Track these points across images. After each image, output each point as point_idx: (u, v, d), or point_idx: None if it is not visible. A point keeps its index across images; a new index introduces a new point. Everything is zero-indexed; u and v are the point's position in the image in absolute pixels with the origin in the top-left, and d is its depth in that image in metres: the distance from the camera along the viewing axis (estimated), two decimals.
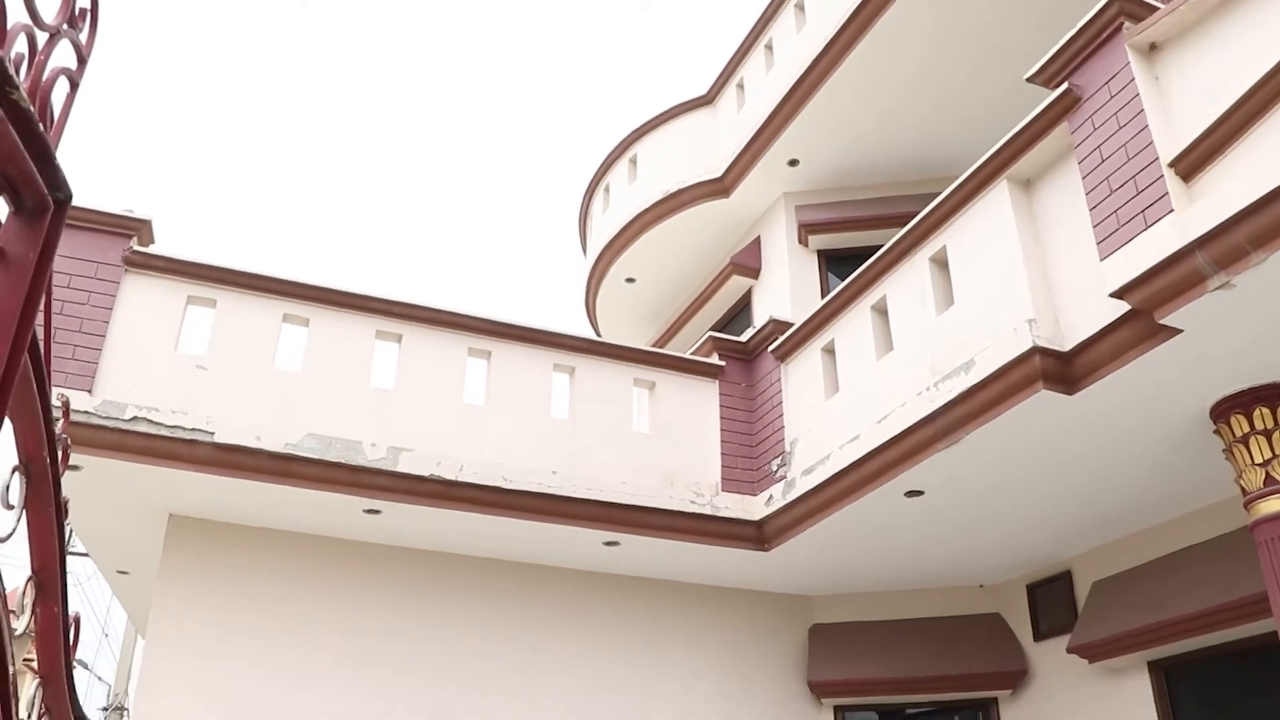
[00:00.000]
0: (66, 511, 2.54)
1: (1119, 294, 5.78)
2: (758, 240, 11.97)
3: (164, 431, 7.44)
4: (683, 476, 8.83)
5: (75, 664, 3.21)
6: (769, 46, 11.51)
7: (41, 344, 2.02)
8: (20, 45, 1.51)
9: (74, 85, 1.71)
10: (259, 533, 8.58)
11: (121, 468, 7.50)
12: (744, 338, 9.66)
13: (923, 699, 9.93)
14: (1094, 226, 6.15)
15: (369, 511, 8.14)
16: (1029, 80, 6.87)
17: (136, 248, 7.88)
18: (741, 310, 12.25)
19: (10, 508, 2.11)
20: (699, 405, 9.27)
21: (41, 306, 1.97)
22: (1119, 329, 6.00)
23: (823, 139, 10.82)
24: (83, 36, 1.74)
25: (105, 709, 18.72)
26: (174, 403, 7.55)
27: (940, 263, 7.49)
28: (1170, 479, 7.53)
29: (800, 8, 10.99)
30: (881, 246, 8.00)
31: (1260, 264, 5.09)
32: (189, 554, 8.37)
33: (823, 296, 10.54)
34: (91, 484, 7.72)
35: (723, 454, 9.08)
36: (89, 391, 7.34)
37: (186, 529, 8.43)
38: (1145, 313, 5.73)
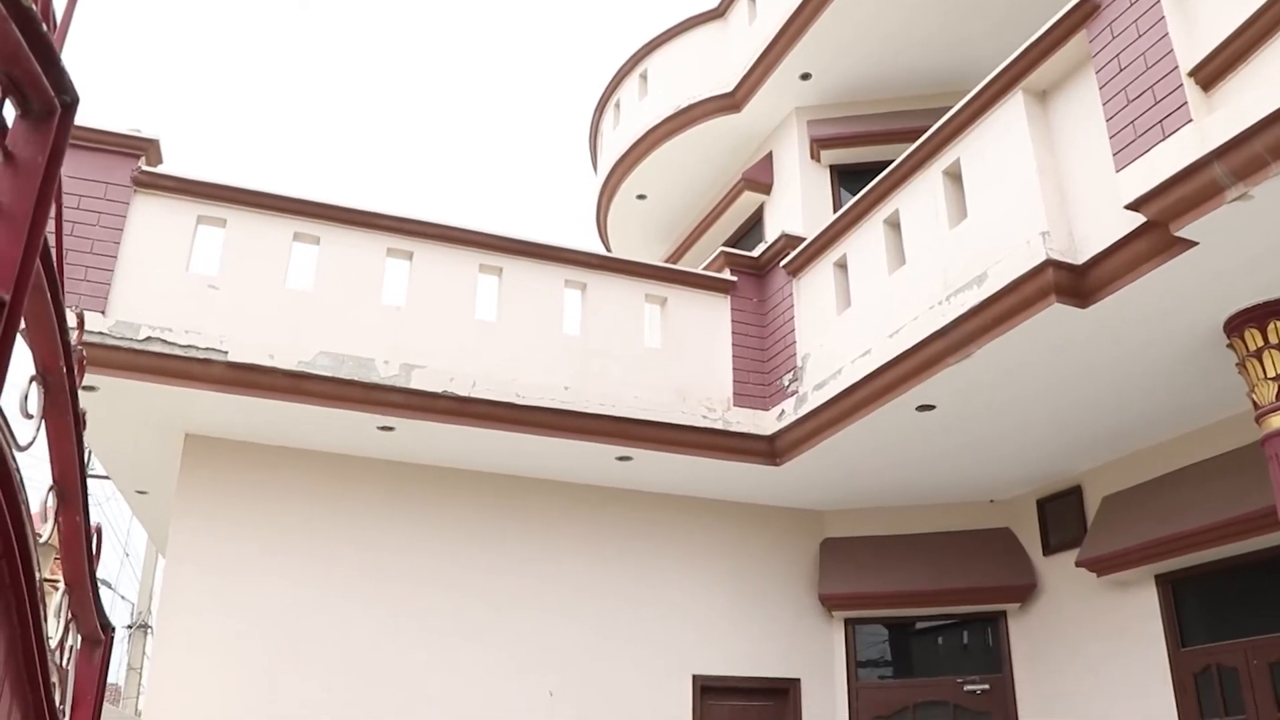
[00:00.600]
0: (84, 423, 2.57)
1: (1134, 206, 5.72)
2: (769, 156, 11.85)
3: (178, 351, 7.48)
4: (695, 391, 8.86)
5: (100, 584, 3.27)
6: None
7: (54, 255, 2.02)
8: None
9: None
10: (274, 451, 8.67)
11: (137, 388, 7.56)
12: (756, 253, 9.61)
13: (932, 612, 10.06)
14: (1110, 138, 6.06)
15: (382, 428, 8.20)
16: None
17: (145, 168, 7.86)
18: (753, 227, 12.18)
19: (29, 417, 2.13)
20: (711, 321, 9.27)
21: (52, 219, 1.97)
22: (1133, 242, 5.95)
23: (835, 52, 10.65)
24: None
25: (130, 627, 19.06)
26: (187, 322, 7.58)
27: (954, 176, 7.42)
28: (1182, 394, 7.53)
29: None
30: (894, 161, 7.92)
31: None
32: (206, 473, 8.47)
33: (835, 212, 10.47)
34: (108, 404, 7.78)
35: (734, 369, 9.10)
36: (102, 312, 7.37)
37: (203, 448, 8.51)
38: (1160, 225, 5.68)
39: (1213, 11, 5.61)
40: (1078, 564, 8.87)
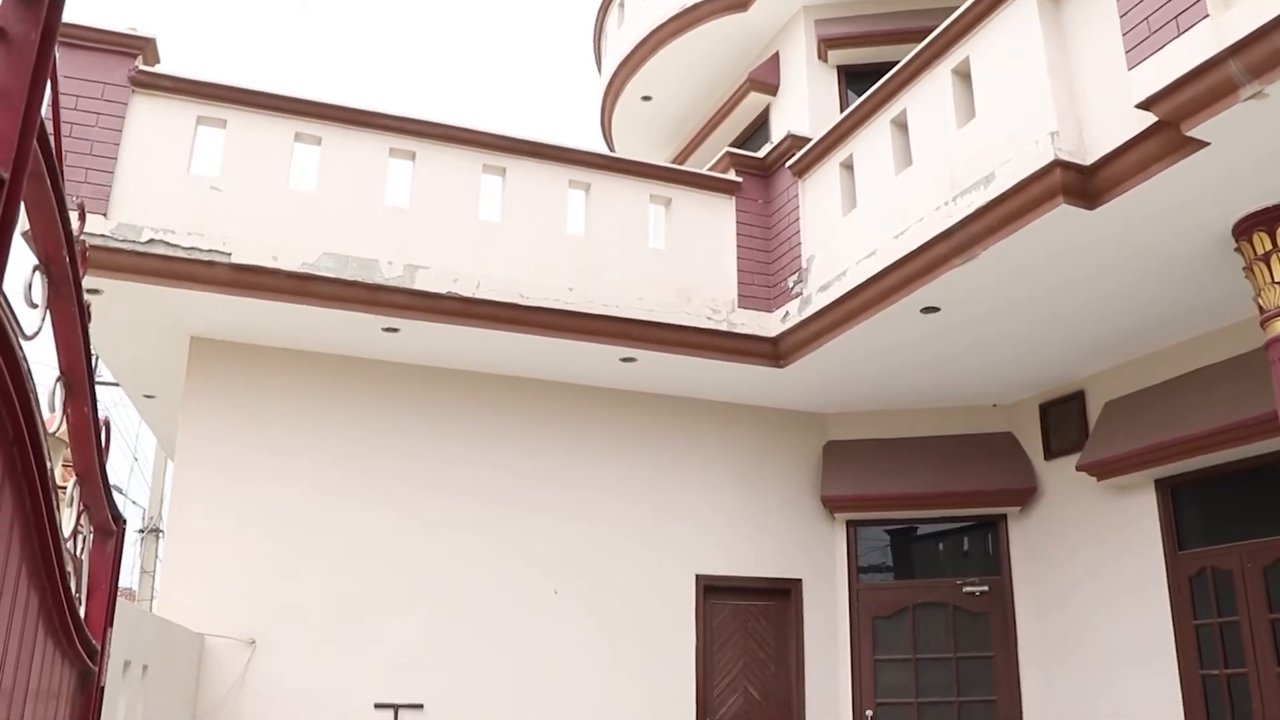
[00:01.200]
0: (89, 315, 2.57)
1: (1146, 105, 5.64)
2: (776, 56, 11.65)
3: (181, 253, 7.46)
4: (699, 293, 8.85)
5: (113, 489, 3.31)
6: None
7: (53, 143, 2.00)
8: None
9: None
10: (280, 353, 8.70)
11: (141, 290, 7.56)
12: (761, 154, 9.52)
13: (933, 515, 10.18)
14: (1123, 35, 5.95)
15: (387, 330, 8.22)
16: None
17: (142, 67, 7.75)
18: (759, 128, 12.04)
19: (34, 306, 2.14)
20: (716, 222, 9.22)
21: (49, 105, 1.95)
22: (1144, 142, 5.88)
23: None
24: None
25: (141, 531, 19.31)
26: (189, 224, 7.55)
27: (963, 75, 7.31)
28: (1187, 298, 7.51)
29: None
30: (902, 60, 7.80)
31: None
32: (212, 376, 8.51)
33: (842, 113, 10.33)
34: (112, 307, 7.79)
35: (739, 270, 9.08)
36: (104, 215, 7.34)
37: (209, 351, 8.55)
38: (1172, 124, 5.60)
39: None
40: (1078, 468, 8.95)
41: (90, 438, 2.73)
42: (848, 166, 8.49)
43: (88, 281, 2.38)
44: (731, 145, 11.91)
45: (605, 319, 8.45)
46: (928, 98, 7.55)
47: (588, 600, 9.17)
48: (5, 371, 1.81)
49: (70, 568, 2.84)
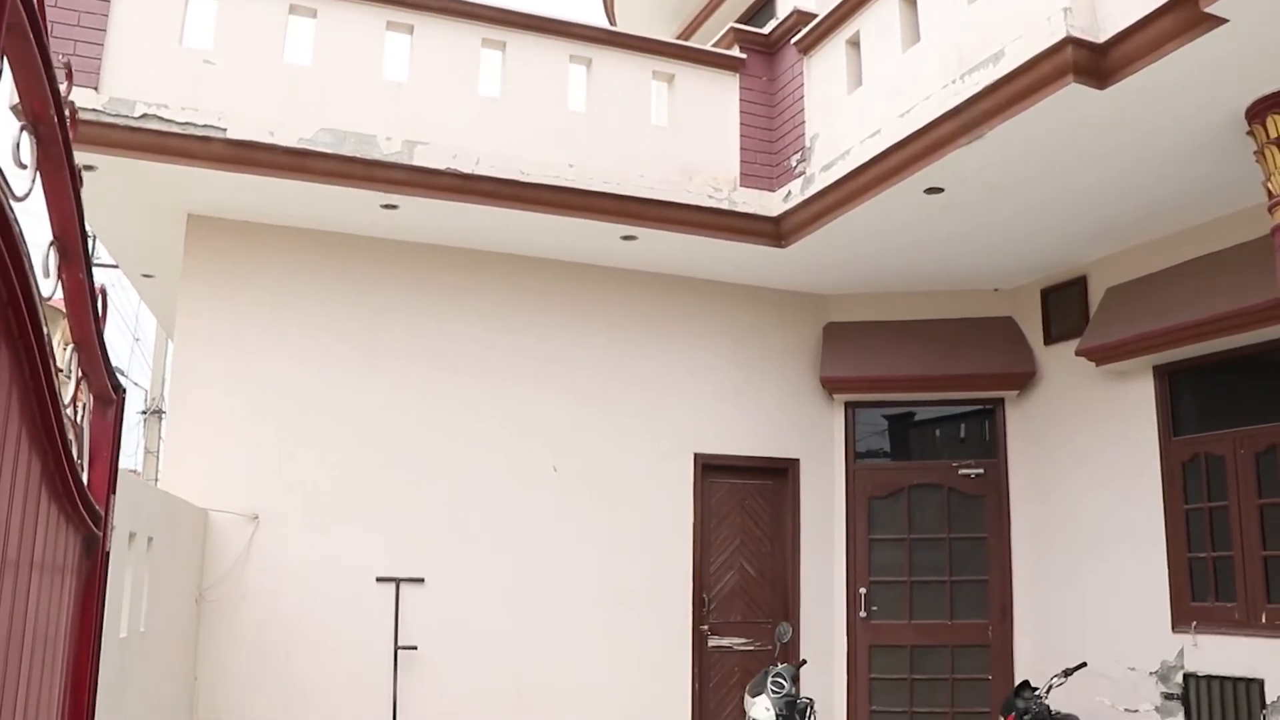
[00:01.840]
0: (80, 180, 2.53)
1: None
2: None
3: (175, 129, 7.35)
4: (701, 171, 8.75)
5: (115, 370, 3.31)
6: None
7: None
8: None
9: None
10: (279, 231, 8.63)
11: (135, 166, 7.46)
12: (766, 30, 9.32)
13: (932, 397, 10.22)
14: None
15: (386, 206, 8.15)
16: None
17: None
18: (765, 4, 11.76)
19: (23, 167, 2.10)
20: (719, 99, 9.06)
21: None
22: (1159, 19, 5.73)
23: None
24: None
25: (144, 412, 19.42)
26: (183, 99, 7.42)
27: None
28: (1194, 183, 7.42)
29: None
30: None
31: None
32: (210, 254, 8.46)
33: None
34: (107, 184, 7.70)
35: (742, 149, 8.96)
36: (95, 89, 7.20)
37: (206, 229, 8.48)
38: (1189, 0, 5.46)
39: None
40: (1078, 353, 8.96)
41: (86, 304, 2.71)
42: (854, 43, 8.30)
43: (80, 156, 2.34)
44: (736, 22, 11.66)
45: (606, 196, 8.36)
46: None
47: (587, 477, 9.27)
48: None
49: (71, 435, 2.85)
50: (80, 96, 6.86)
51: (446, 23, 8.21)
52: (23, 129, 2.13)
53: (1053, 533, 9.45)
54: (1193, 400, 8.42)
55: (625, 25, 14.05)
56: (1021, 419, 9.95)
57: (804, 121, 8.75)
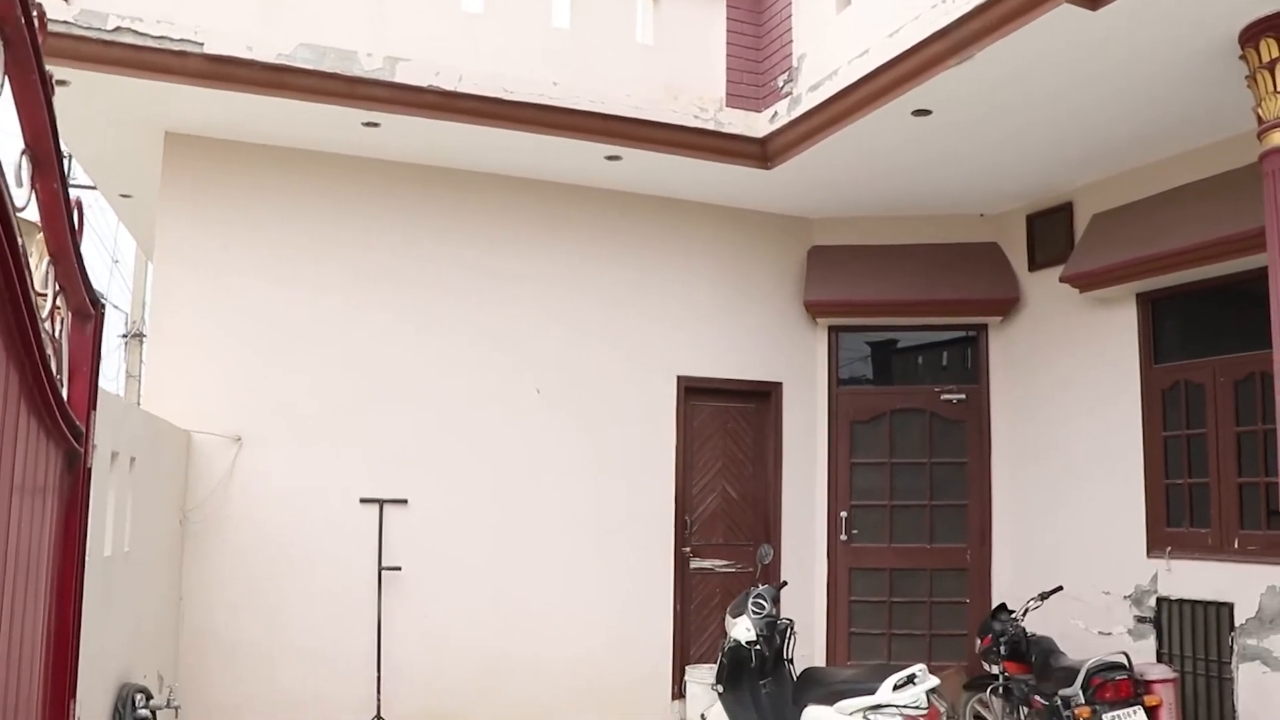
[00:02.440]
0: (52, 87, 2.45)
1: None
2: None
3: (150, 43, 7.18)
4: (687, 91, 8.64)
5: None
6: None
7: None
8: None
9: None
10: (258, 149, 8.50)
11: (110, 82, 7.30)
12: None
13: (915, 322, 10.22)
14: None
15: (367, 124, 8.01)
16: None
17: None
18: None
19: None
20: (705, 18, 8.91)
21: None
22: None
23: None
24: None
25: (124, 336, 19.27)
26: (158, 12, 7.24)
27: None
28: (1185, 108, 7.35)
29: None
30: None
31: None
32: (189, 173, 8.33)
33: None
34: (82, 100, 7.53)
35: (728, 69, 8.84)
36: (66, 0, 7.01)
37: (184, 147, 8.33)
38: None
39: None
40: (1062, 279, 8.95)
41: (62, 216, 2.65)
42: None
43: (54, 71, 2.26)
44: None
45: (590, 115, 8.24)
46: None
47: (570, 399, 9.27)
48: None
49: (50, 350, 2.81)
50: (50, 7, 6.68)
51: None
52: None
53: (1032, 458, 9.53)
54: (1175, 328, 8.45)
55: None
56: (1004, 345, 9.98)
57: (791, 41, 8.63)
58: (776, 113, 8.59)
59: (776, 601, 8.26)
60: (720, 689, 8.06)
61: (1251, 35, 6.12)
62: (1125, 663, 7.08)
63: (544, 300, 9.25)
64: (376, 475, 8.55)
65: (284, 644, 8.15)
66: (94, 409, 3.40)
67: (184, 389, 8.09)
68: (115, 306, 19.50)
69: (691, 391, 9.79)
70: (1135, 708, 6.91)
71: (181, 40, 7.23)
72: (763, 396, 10.13)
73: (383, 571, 8.45)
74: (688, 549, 9.71)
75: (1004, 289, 9.82)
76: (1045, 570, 9.07)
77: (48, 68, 2.39)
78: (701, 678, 8.80)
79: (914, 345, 10.61)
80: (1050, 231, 9.52)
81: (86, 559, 3.57)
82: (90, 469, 3.42)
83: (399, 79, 7.68)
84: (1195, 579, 7.85)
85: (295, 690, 8.13)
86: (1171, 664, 7.78)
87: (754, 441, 10.14)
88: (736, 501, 10.01)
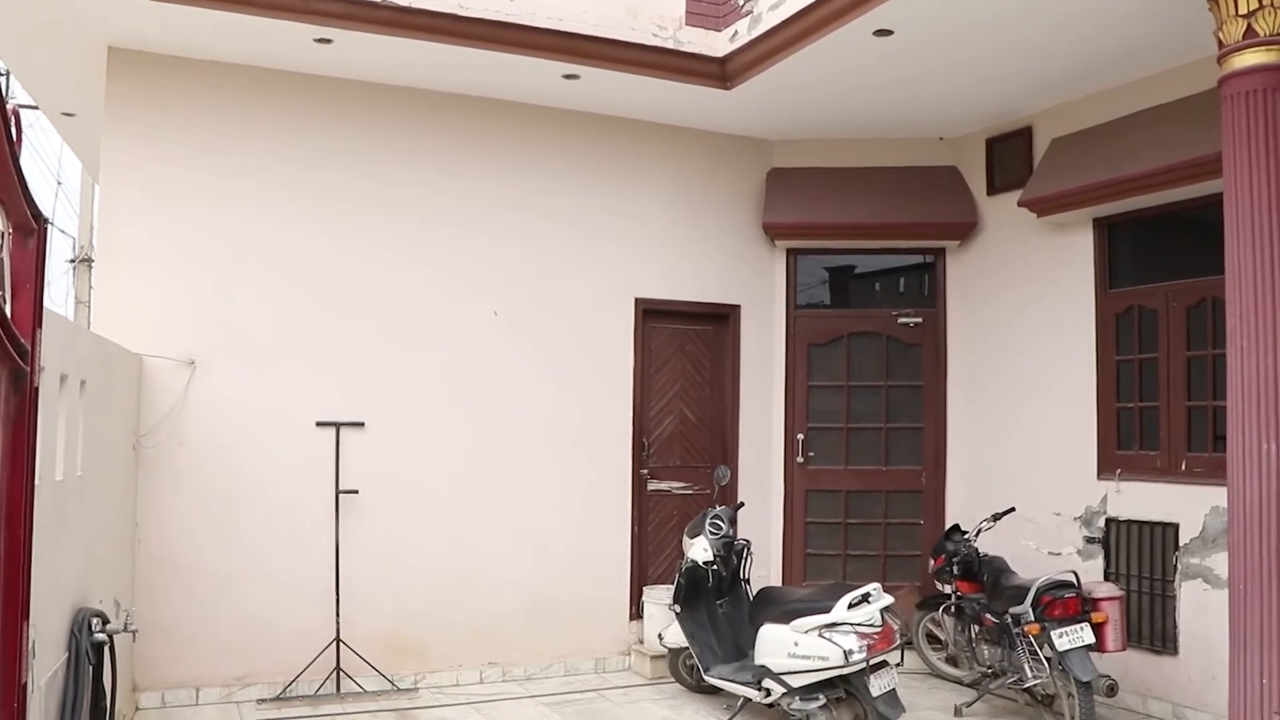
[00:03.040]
0: None
1: None
2: None
3: None
4: (646, 8, 8.48)
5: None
6: None
7: None
8: None
9: None
10: (207, 66, 8.26)
11: None
12: None
13: (874, 245, 10.22)
14: None
15: (319, 40, 7.80)
16: None
17: None
18: None
19: None
20: None
21: None
22: None
23: None
24: None
25: (72, 261, 18.88)
26: None
27: None
28: (1145, 31, 7.29)
29: None
30: None
31: None
32: (134, 90, 8.08)
33: None
34: (16, 11, 7.28)
35: None
36: None
37: (129, 63, 8.07)
38: None
39: None
40: (1020, 204, 8.97)
41: None
42: None
43: None
44: None
45: (548, 32, 8.08)
46: None
47: (528, 321, 9.22)
48: None
49: None
50: None
51: None
52: None
53: (987, 381, 9.62)
54: (1129, 253, 8.51)
55: None
56: (962, 269, 10.02)
57: None
58: (736, 31, 8.46)
59: (733, 522, 8.35)
60: (678, 609, 8.18)
61: None
62: (1074, 581, 7.23)
63: (502, 221, 9.15)
64: (332, 398, 8.48)
65: (241, 568, 8.13)
66: (39, 327, 3.32)
67: (135, 312, 7.94)
68: (62, 231, 19.10)
69: (649, 314, 9.77)
70: (1082, 624, 7.08)
71: None
72: (720, 319, 10.12)
73: (340, 495, 8.42)
74: (645, 471, 9.75)
75: (962, 213, 9.83)
76: (998, 492, 9.21)
77: None
78: (659, 598, 8.92)
79: (872, 270, 10.61)
80: (1009, 156, 9.52)
81: (37, 482, 3.50)
82: (37, 389, 3.35)
83: None
84: (1143, 500, 8.02)
85: (253, 614, 8.13)
86: (1118, 582, 7.96)
87: (712, 364, 10.15)
88: (694, 423, 10.05)
